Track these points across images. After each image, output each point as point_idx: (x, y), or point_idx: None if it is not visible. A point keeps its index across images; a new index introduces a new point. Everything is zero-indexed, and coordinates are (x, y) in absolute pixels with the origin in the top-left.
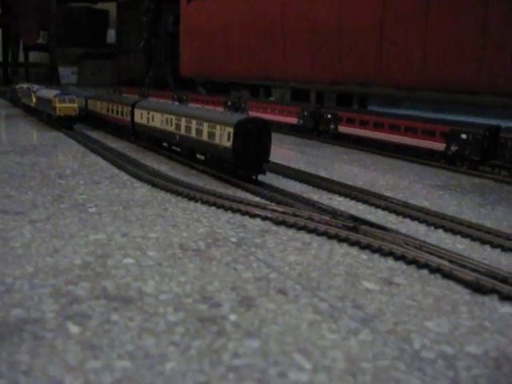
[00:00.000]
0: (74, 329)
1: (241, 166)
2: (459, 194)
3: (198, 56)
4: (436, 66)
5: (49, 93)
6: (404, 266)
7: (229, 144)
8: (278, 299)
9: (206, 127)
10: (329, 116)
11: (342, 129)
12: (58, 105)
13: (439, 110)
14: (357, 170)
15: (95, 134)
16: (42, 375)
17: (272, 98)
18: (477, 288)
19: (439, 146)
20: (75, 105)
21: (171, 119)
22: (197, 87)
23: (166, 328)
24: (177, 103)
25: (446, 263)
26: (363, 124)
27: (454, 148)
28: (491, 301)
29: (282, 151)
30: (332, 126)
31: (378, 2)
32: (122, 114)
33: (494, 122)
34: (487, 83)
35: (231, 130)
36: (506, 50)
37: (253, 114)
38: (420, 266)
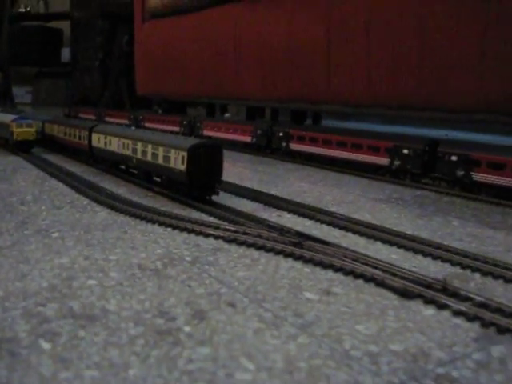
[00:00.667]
0: (45, 345)
1: (195, 187)
2: (400, 207)
3: (153, 75)
4: (379, 84)
5: (5, 117)
6: (342, 277)
7: (183, 167)
8: (228, 311)
9: (161, 151)
10: (281, 134)
11: (294, 146)
12: (15, 129)
13: (388, 122)
14: (306, 187)
15: (53, 158)
16: None
17: (228, 114)
18: (404, 294)
19: (384, 160)
20: (33, 129)
21: (128, 143)
22: (153, 106)
23: (128, 341)
24: (133, 128)
25: (379, 273)
26: (313, 141)
27: (397, 162)
28: (416, 305)
29: (236, 170)
30: (284, 144)
31: (324, 24)
32: (80, 138)
33: (441, 132)
34: (425, 100)
35: (185, 154)
36: (441, 69)
37: (208, 132)
38: (356, 276)
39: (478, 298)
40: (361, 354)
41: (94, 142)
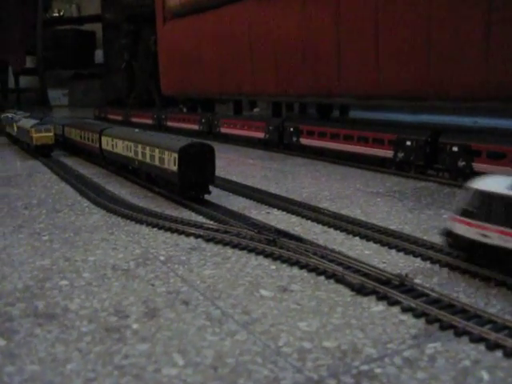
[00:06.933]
0: (1, 342)
1: (187, 187)
2: (395, 200)
3: (176, 74)
4: (387, 76)
5: (27, 122)
6: (305, 274)
7: (175, 168)
8: (180, 309)
9: (157, 153)
10: (291, 129)
11: (304, 141)
12: (34, 135)
13: (420, 111)
14: (307, 182)
15: (70, 161)
16: None
17: (257, 109)
18: (360, 290)
19: (388, 153)
20: (51, 134)
21: (131, 146)
22: (179, 105)
23: (77, 337)
24: (137, 130)
25: (341, 269)
26: (321, 136)
27: (400, 154)
28: (368, 301)
29: (244, 167)
30: (294, 139)
31: (333, 17)
32: (92, 140)
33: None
34: (433, 90)
35: (176, 155)
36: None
37: (225, 130)
38: (319, 273)
39: (433, 294)
40: (291, 351)
41: (104, 145)
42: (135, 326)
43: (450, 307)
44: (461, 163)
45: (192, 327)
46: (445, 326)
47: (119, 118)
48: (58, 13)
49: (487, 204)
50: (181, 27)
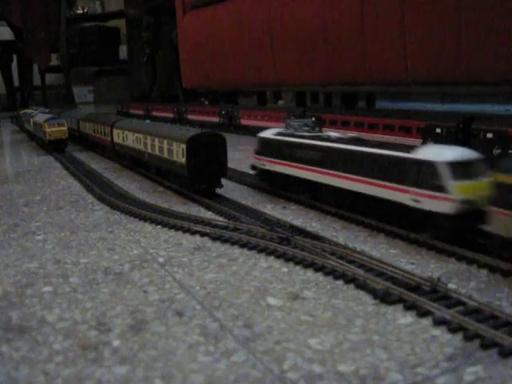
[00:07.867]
0: None
1: (196, 181)
2: None
3: (197, 66)
4: (415, 63)
5: (41, 118)
6: (321, 278)
7: (183, 160)
8: (171, 322)
9: (165, 144)
10: (313, 119)
11: (326, 130)
12: (47, 129)
13: (450, 100)
14: None
15: (84, 156)
16: None
17: (281, 101)
18: (384, 298)
19: (416, 141)
20: (64, 128)
21: (140, 138)
22: (200, 98)
23: (47, 357)
24: (148, 121)
25: (362, 272)
26: (345, 125)
27: (429, 142)
28: (394, 311)
29: None
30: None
31: (357, 6)
32: (104, 134)
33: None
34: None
35: (184, 146)
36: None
37: (245, 121)
38: (336, 276)
39: (472, 303)
40: (298, 377)
41: (115, 138)
42: (116, 343)
43: (492, 319)
44: (496, 151)
45: (182, 345)
46: (487, 344)
47: (141, 112)
48: (82, 10)
49: (264, 145)
50: (201, 18)
